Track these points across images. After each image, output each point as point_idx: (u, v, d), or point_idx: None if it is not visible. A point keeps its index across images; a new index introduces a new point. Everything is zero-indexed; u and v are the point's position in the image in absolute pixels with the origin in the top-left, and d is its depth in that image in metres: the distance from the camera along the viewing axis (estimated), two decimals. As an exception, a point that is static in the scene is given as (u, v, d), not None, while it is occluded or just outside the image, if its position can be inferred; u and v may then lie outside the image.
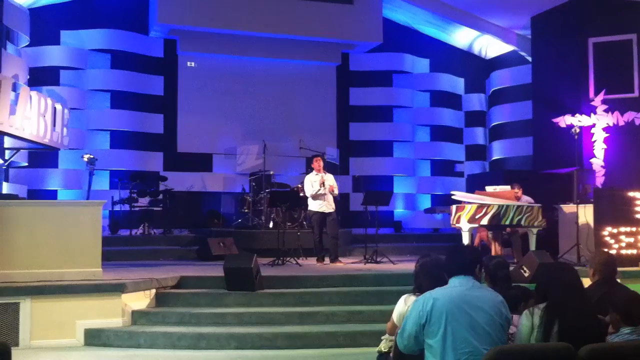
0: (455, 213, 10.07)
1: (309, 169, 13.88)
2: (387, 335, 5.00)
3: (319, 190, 10.70)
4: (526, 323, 3.94)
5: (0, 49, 10.88)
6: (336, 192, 10.96)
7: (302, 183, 12.64)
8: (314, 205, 10.85)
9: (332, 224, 10.79)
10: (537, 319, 3.89)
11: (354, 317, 7.77)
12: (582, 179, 10.62)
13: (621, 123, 12.78)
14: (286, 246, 10.72)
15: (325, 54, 15.62)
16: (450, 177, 16.41)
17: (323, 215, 10.79)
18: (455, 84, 16.88)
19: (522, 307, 4.48)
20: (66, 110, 10.92)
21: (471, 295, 3.90)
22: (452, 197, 10.44)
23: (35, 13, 12.97)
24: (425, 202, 16.27)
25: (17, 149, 11.08)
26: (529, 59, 15.15)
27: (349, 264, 10.60)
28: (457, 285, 3.97)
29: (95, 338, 7.29)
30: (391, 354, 4.53)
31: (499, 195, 10.30)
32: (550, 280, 4.06)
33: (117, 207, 13.06)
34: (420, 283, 4.69)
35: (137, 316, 7.65)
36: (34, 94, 9.71)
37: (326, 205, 10.79)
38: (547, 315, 3.87)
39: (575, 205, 9.90)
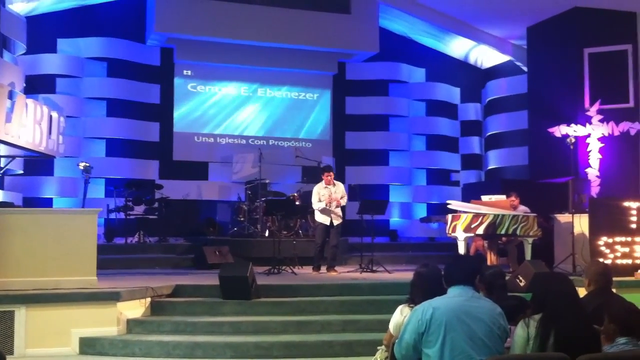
0: (451, 222, 10.06)
1: (304, 178, 13.92)
2: (383, 346, 5.00)
3: (325, 207, 10.68)
4: (521, 334, 3.91)
5: (-3, 56, 10.89)
6: (343, 202, 10.93)
7: (298, 191, 12.68)
8: (319, 217, 10.82)
9: (334, 233, 10.78)
10: (533, 330, 3.86)
11: (350, 326, 7.76)
12: (577, 188, 10.62)
13: (616, 133, 12.81)
14: (282, 255, 10.71)
15: (322, 63, 15.66)
16: (446, 186, 16.44)
17: (328, 227, 10.78)
18: (451, 93, 16.93)
19: (520, 317, 4.47)
20: (62, 118, 10.89)
21: (470, 306, 3.91)
22: (448, 206, 10.44)
23: (32, 21, 12.97)
24: (421, 211, 16.28)
25: (13, 157, 11.04)
26: (525, 69, 15.20)
27: (345, 273, 10.58)
28: (457, 295, 3.98)
29: (90, 347, 7.26)
30: (387, 364, 4.53)
31: (494, 205, 10.31)
32: (546, 290, 4.04)
33: (112, 215, 13.04)
34: (415, 296, 4.68)
35: (132, 325, 7.62)
36: (30, 101, 9.68)
37: (333, 218, 10.76)
38: (542, 326, 3.85)
39: (570, 214, 9.91)
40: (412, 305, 4.63)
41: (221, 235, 13.40)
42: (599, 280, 5.00)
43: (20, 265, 7.63)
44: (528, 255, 9.97)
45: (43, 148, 10.01)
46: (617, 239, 9.07)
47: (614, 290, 5.33)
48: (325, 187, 10.81)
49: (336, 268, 10.84)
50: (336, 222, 10.77)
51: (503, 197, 10.65)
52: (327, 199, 10.69)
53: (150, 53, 14.87)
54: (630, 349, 3.83)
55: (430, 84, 16.75)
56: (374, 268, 10.71)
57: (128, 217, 12.92)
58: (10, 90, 9.59)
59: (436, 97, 16.67)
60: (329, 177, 10.83)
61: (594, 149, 12.89)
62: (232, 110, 15.43)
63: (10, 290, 7.38)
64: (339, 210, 10.84)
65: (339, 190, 10.87)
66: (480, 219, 9.78)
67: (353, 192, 13.85)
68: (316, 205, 10.79)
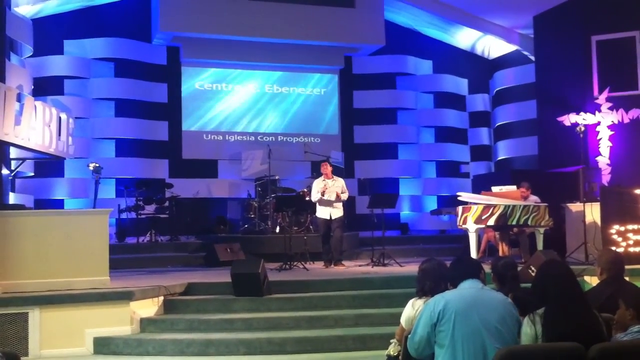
0: (462, 214, 10.05)
1: (314, 173, 13.92)
2: (395, 340, 4.99)
3: (320, 198, 10.70)
4: (529, 332, 3.80)
5: (4, 59, 10.89)
6: (344, 197, 10.93)
7: (308, 187, 12.66)
8: (319, 211, 10.88)
9: (335, 227, 10.80)
10: (540, 327, 3.77)
11: (362, 320, 7.77)
12: (588, 177, 10.59)
13: (626, 120, 12.75)
14: (293, 250, 10.71)
15: (328, 58, 15.64)
16: (456, 178, 16.40)
17: (328, 221, 10.79)
18: (459, 84, 16.88)
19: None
20: (71, 120, 10.95)
21: (483, 295, 3.93)
22: (458, 198, 10.42)
23: (38, 23, 13.01)
24: (431, 203, 16.25)
25: (23, 159, 11.13)
26: (532, 58, 15.13)
27: (356, 267, 10.58)
28: (468, 287, 4.00)
29: (104, 346, 7.29)
30: (400, 358, 4.52)
31: (505, 196, 10.28)
32: (546, 283, 3.94)
33: (123, 215, 13.08)
34: (423, 285, 4.72)
35: (146, 324, 7.65)
36: (38, 104, 9.74)
37: (331, 212, 10.77)
38: (546, 320, 3.77)
39: (582, 203, 9.87)
40: (424, 297, 4.64)
41: (232, 233, 13.41)
42: (612, 268, 4.97)
43: (32, 267, 7.66)
44: (540, 246, 9.95)
45: (53, 150, 10.08)
46: (629, 227, 9.06)
47: (626, 278, 5.30)
48: (323, 181, 10.82)
49: (347, 262, 10.85)
50: (335, 215, 10.77)
51: (513, 187, 10.62)
52: (323, 187, 10.70)
53: (156, 52, 14.89)
54: (644, 336, 3.81)
55: (437, 75, 16.71)
56: (386, 262, 10.70)
57: (139, 216, 12.95)
58: (18, 93, 9.62)
59: (444, 88, 16.63)
60: (324, 168, 10.86)
61: (604, 137, 12.84)
62: (240, 107, 15.42)
63: (24, 292, 7.43)
64: (338, 204, 10.83)
65: (338, 184, 10.87)
66: (491, 210, 9.76)
67: (363, 186, 13.86)
68: (313, 197, 10.87)
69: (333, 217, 10.80)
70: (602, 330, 3.82)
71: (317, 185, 10.88)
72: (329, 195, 10.72)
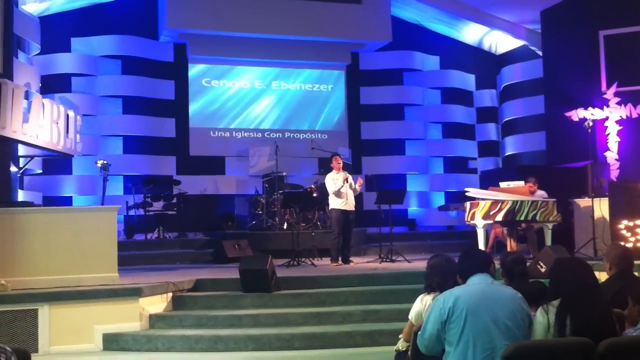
0: (470, 210, 10.04)
1: (321, 170, 13.92)
2: (402, 337, 4.99)
3: (342, 186, 10.56)
4: (541, 321, 3.85)
5: (12, 57, 10.90)
6: (359, 188, 10.85)
7: (315, 183, 12.64)
8: (335, 203, 10.64)
9: (350, 222, 10.74)
10: (553, 317, 3.81)
11: (370, 316, 7.77)
12: (596, 172, 10.55)
13: (634, 115, 12.69)
14: (301, 247, 10.72)
15: (335, 54, 15.62)
16: (464, 173, 16.35)
17: (345, 214, 10.67)
18: (466, 80, 16.84)
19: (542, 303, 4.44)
20: (79, 117, 10.99)
21: (492, 291, 3.90)
22: (466, 193, 10.41)
23: (45, 21, 13.03)
24: (439, 199, 16.23)
25: (32, 157, 11.16)
26: (540, 53, 15.08)
27: (364, 263, 10.58)
28: (477, 282, 3.97)
29: (113, 343, 7.32)
30: (409, 353, 4.52)
31: (513, 191, 10.27)
32: (563, 276, 3.98)
33: (131, 212, 13.11)
34: (431, 282, 4.73)
35: (155, 320, 7.68)
36: (46, 101, 9.77)
37: (348, 204, 10.70)
38: (559, 313, 3.80)
39: (590, 199, 9.85)
40: (433, 293, 4.64)
41: (240, 229, 13.43)
42: (620, 263, 4.96)
43: (41, 263, 7.70)
44: (548, 241, 9.93)
45: (61, 147, 10.12)
46: (638, 222, 9.02)
47: (635, 273, 5.29)
48: (338, 173, 10.74)
49: (354, 259, 10.85)
50: (351, 208, 10.71)
51: (521, 183, 10.61)
52: (343, 176, 10.60)
53: (163, 49, 14.91)
54: (654, 332, 3.80)
55: (444, 71, 16.66)
56: (393, 258, 10.72)
57: (147, 213, 12.99)
58: (26, 91, 9.66)
59: (451, 84, 16.59)
60: (337, 161, 10.73)
61: (612, 132, 12.78)
62: (246, 104, 15.44)
63: (33, 288, 7.46)
64: (352, 198, 10.79)
65: (349, 179, 10.82)
66: (499, 205, 9.75)
67: (370, 183, 13.84)
68: (332, 188, 10.56)
69: (349, 210, 10.71)
70: (614, 325, 3.82)
71: (334, 178, 10.67)
72: (350, 184, 10.61)
